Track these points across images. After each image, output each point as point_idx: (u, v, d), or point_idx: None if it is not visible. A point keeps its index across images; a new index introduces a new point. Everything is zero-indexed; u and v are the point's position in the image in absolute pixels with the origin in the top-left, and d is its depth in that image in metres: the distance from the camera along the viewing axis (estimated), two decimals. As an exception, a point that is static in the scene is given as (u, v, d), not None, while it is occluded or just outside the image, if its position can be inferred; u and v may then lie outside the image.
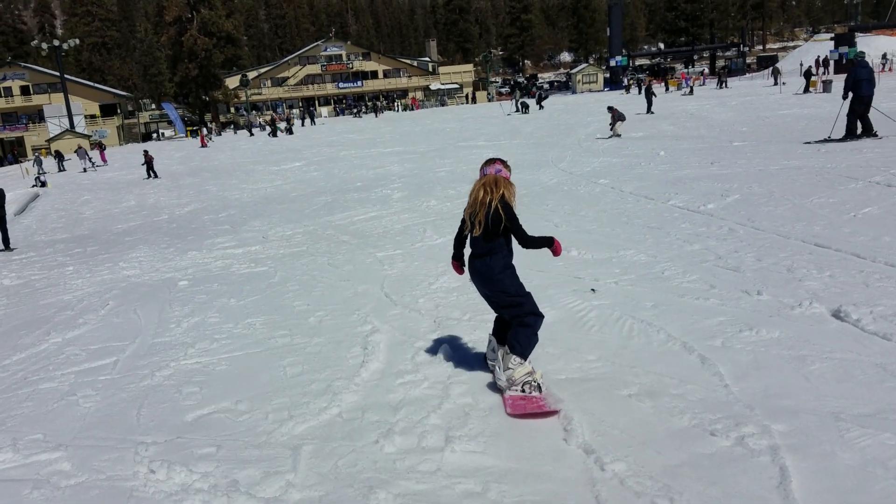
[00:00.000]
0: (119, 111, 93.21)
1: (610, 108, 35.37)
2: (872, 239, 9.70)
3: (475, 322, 7.99)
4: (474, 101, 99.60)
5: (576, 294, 8.58)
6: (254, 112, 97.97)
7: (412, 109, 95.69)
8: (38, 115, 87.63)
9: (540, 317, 5.94)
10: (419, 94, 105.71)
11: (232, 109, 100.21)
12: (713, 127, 29.34)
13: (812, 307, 7.43)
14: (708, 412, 5.50)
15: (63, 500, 5.14)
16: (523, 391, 5.86)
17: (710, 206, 12.90)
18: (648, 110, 42.45)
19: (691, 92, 60.83)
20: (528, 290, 6.04)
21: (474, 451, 5.27)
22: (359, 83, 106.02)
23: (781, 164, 17.06)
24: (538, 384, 5.89)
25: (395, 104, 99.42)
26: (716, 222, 11.58)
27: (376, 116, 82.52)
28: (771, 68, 69.33)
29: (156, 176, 36.98)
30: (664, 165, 19.22)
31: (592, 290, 8.62)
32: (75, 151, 52.22)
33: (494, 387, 6.25)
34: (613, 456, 5.03)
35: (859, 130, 19.91)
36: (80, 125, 79.70)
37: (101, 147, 57.03)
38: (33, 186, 37.63)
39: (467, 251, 6.20)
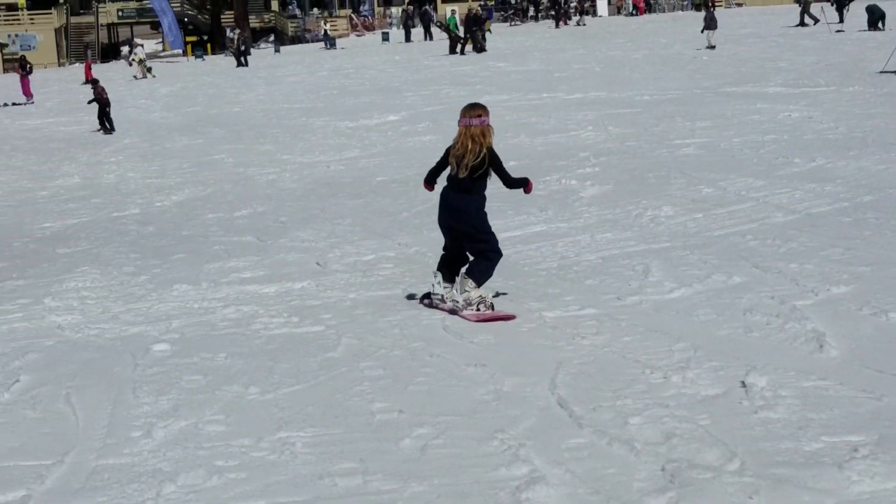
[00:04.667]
0: (63, 1, 60.20)
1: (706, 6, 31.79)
2: None
3: (761, 477, 4.12)
4: None
5: None
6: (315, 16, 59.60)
7: (634, 13, 60.32)
8: None
9: (500, 254, 7.17)
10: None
11: (275, 5, 63.62)
12: None
13: None
14: None
15: None
16: (478, 310, 6.90)
17: None
18: None
19: None
20: None
21: None
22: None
23: None
24: (491, 304, 7.01)
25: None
26: None
27: (572, 23, 52.90)
28: None
29: (110, 128, 23.45)
30: None
31: None
32: None
33: None
34: None
35: None
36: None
37: (22, 69, 34.76)
38: None
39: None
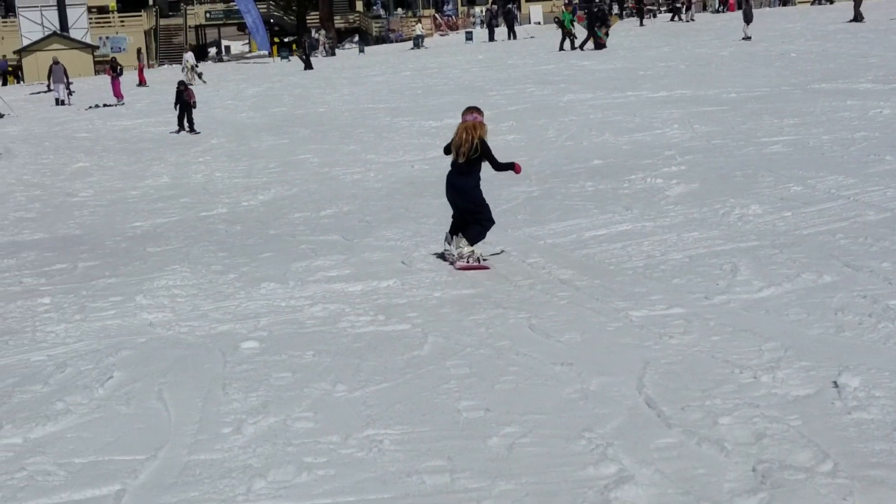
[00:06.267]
0: (152, 3, 59.70)
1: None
2: None
3: (855, 478, 3.99)
4: None
5: None
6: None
7: (721, 10, 57.34)
8: (4, 4, 56.53)
9: (493, 222, 8.89)
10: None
11: (359, 6, 61.77)
12: None
13: None
14: None
15: None
16: (467, 262, 8.64)
17: None
18: None
19: None
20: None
21: None
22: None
23: None
24: (478, 258, 8.70)
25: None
26: None
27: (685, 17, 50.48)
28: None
29: (192, 129, 23.50)
30: None
31: None
32: (50, 68, 35.59)
33: None
34: None
35: None
36: (80, 26, 52.73)
37: (113, 70, 34.73)
38: None
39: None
